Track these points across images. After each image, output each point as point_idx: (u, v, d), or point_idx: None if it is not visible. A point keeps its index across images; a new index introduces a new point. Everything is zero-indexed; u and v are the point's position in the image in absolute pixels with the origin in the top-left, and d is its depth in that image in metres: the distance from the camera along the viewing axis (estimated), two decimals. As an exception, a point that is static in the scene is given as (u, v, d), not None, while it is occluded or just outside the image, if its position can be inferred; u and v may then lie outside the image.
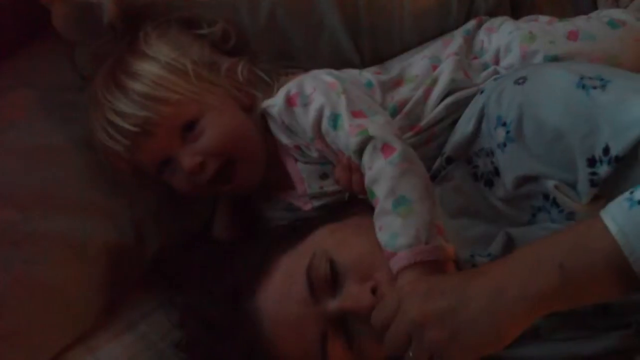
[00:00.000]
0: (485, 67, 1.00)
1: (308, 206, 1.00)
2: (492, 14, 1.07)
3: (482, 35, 1.03)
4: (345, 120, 0.89)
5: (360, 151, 0.87)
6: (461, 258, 0.86)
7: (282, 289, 0.85)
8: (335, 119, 0.90)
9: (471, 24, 1.05)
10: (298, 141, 0.96)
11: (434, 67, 0.99)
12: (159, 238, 1.04)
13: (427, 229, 0.81)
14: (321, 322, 0.82)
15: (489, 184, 0.88)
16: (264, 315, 0.85)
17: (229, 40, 1.02)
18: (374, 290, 0.81)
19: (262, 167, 0.98)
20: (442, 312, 0.70)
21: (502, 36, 1.00)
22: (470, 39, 1.03)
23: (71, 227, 0.96)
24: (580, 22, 1.00)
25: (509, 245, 0.86)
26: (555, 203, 0.81)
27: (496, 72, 0.98)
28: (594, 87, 0.78)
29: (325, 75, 0.96)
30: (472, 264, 0.86)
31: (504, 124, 0.82)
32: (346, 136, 0.88)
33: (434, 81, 0.97)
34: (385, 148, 0.85)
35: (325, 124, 0.90)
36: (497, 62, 0.99)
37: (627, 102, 0.76)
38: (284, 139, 0.97)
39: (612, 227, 0.66)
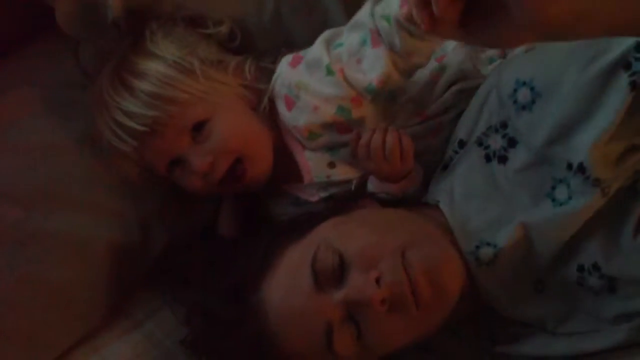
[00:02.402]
0: (491, 60, 0.99)
1: (315, 197, 1.00)
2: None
3: None
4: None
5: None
6: (466, 250, 0.87)
7: (287, 281, 0.85)
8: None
9: None
10: (311, 104, 0.94)
11: (439, 59, 0.99)
12: (164, 236, 1.03)
13: None
14: (326, 313, 0.82)
15: (503, 160, 0.87)
16: (269, 307, 0.85)
17: (235, 39, 1.02)
18: (377, 280, 0.81)
19: (271, 163, 0.98)
20: None
21: None
22: None
23: (76, 226, 0.96)
24: None
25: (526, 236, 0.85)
26: (580, 169, 0.80)
27: None
28: None
29: None
30: (476, 256, 0.86)
31: (525, 83, 0.83)
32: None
33: (442, 68, 0.98)
34: None
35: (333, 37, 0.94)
36: (504, 55, 0.98)
37: None
38: (293, 118, 0.95)
39: None
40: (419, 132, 0.95)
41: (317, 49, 0.94)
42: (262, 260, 0.88)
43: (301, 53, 0.97)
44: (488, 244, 0.86)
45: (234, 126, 0.95)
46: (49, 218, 0.95)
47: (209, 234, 1.06)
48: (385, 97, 0.96)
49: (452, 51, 1.00)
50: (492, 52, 1.00)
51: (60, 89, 1.04)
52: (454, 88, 0.96)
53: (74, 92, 1.03)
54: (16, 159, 0.98)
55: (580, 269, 0.84)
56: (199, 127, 0.94)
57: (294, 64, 0.95)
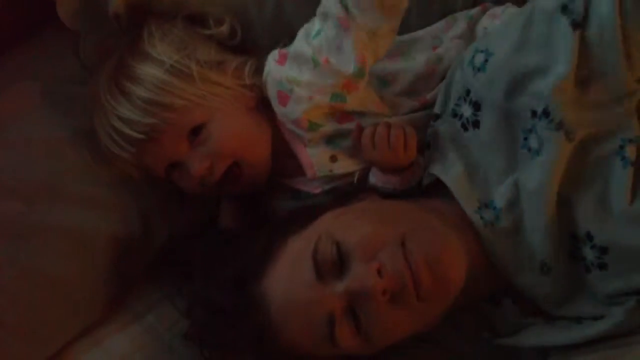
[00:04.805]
0: None
1: (317, 190, 1.00)
2: (498, 1, 1.07)
3: (485, 21, 1.03)
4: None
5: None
6: (470, 211, 0.89)
7: (289, 273, 0.85)
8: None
9: (475, 9, 1.05)
10: (305, 95, 0.93)
11: (434, 48, 1.00)
12: (166, 229, 1.03)
13: None
14: (328, 304, 0.83)
15: (477, 124, 0.90)
16: (271, 299, 0.85)
17: (236, 36, 1.02)
18: (379, 271, 0.82)
19: (268, 165, 0.98)
20: None
21: None
22: (473, 24, 1.04)
23: (77, 219, 0.96)
24: None
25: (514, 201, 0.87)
26: (544, 114, 0.82)
27: None
28: None
29: None
30: (481, 215, 0.88)
31: (481, 51, 0.87)
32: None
33: (439, 59, 0.99)
34: None
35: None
36: None
37: None
38: (291, 111, 0.94)
39: None
40: (420, 120, 0.96)
41: (298, 43, 0.93)
42: (264, 252, 0.88)
43: (285, 49, 0.95)
44: (486, 206, 0.88)
45: (230, 129, 0.95)
46: (50, 212, 0.95)
47: (211, 226, 1.06)
48: (377, 82, 0.98)
49: (448, 41, 1.01)
50: None
51: (62, 84, 1.05)
52: None
53: (75, 87, 1.03)
54: (18, 153, 0.98)
55: (574, 237, 0.85)
56: (196, 132, 0.94)
57: (282, 61, 0.94)
